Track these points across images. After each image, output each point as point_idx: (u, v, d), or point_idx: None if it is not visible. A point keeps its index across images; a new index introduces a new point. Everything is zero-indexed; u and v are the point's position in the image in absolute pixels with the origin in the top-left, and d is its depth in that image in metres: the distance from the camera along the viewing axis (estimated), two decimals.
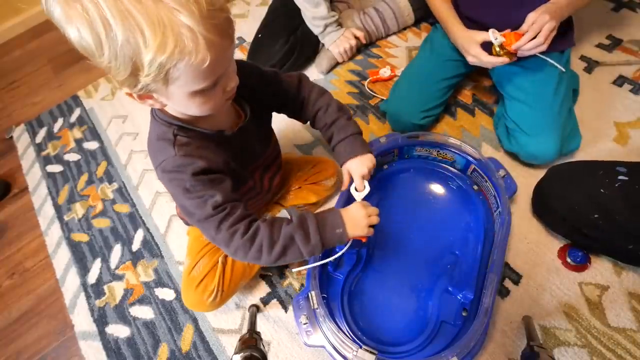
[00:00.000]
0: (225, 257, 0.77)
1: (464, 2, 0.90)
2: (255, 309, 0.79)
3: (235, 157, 0.60)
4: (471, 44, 0.82)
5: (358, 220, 0.58)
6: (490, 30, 0.78)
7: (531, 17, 0.74)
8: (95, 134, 1.26)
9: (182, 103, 0.48)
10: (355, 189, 0.70)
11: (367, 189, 0.69)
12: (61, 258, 1.00)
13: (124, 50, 0.38)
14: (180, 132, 0.53)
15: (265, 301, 0.83)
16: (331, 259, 0.65)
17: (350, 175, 0.70)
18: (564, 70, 0.80)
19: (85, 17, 0.37)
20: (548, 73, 0.84)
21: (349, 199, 0.78)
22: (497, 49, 0.79)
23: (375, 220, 0.60)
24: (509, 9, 0.81)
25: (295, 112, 0.72)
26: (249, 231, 0.53)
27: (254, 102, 0.63)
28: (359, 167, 0.68)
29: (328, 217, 0.57)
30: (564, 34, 0.85)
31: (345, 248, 0.62)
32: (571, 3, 0.77)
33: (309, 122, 0.74)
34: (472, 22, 0.86)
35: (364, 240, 0.61)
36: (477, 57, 0.82)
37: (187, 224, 0.81)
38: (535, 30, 0.74)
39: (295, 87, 0.69)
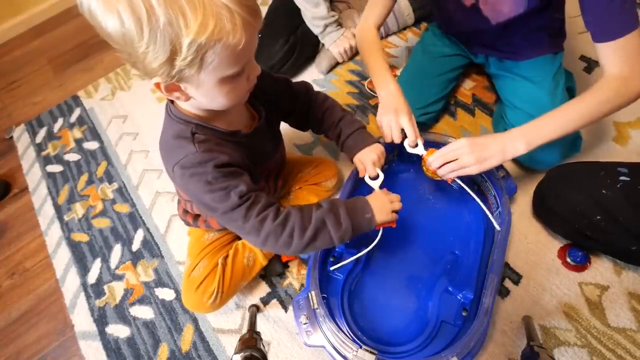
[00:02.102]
0: (225, 258, 0.77)
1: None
2: (255, 309, 0.79)
3: (249, 157, 0.61)
4: (390, 112, 0.74)
5: (383, 205, 0.60)
6: (418, 141, 0.73)
7: (455, 145, 0.68)
8: (95, 134, 1.26)
9: (209, 92, 0.48)
10: (370, 178, 0.71)
11: (381, 175, 0.70)
12: (61, 258, 1.00)
13: (165, 32, 0.39)
14: (198, 130, 0.54)
15: (265, 301, 0.83)
16: (369, 248, 0.68)
17: (363, 165, 0.71)
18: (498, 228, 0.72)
19: (126, 1, 0.37)
20: (543, 77, 0.83)
21: (351, 193, 0.79)
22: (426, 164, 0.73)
23: (398, 206, 0.62)
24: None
25: (302, 116, 0.75)
26: (279, 216, 0.54)
27: (266, 104, 0.65)
28: (369, 154, 0.71)
29: (357, 202, 0.59)
30: (556, 36, 0.85)
31: (380, 235, 0.66)
32: (530, 132, 0.66)
33: (311, 129, 0.77)
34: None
35: (393, 225, 0.63)
36: (387, 127, 0.75)
37: (188, 224, 0.81)
38: (449, 157, 0.67)
39: (304, 93, 0.73)
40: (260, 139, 0.64)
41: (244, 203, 0.52)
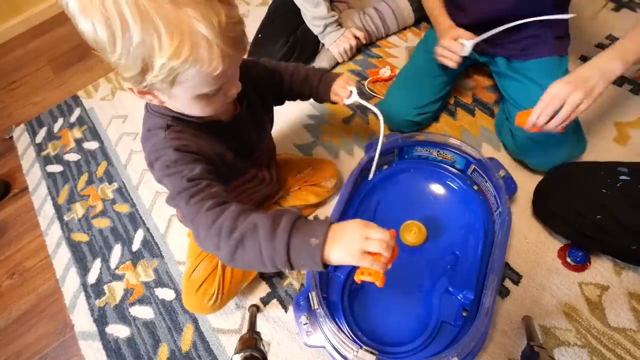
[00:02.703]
0: None
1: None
2: (255, 309, 0.79)
3: (232, 147, 0.60)
4: (446, 35, 0.82)
5: (351, 238, 0.41)
6: (467, 41, 0.78)
7: (551, 90, 0.65)
8: (95, 134, 1.26)
9: (184, 104, 0.48)
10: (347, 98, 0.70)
11: (354, 93, 0.69)
12: (61, 258, 1.00)
13: (137, 50, 0.38)
14: (174, 123, 0.53)
15: (265, 301, 0.83)
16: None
17: (343, 94, 0.70)
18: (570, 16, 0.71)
19: (102, 13, 0.36)
20: (552, 79, 0.82)
21: (351, 193, 0.80)
22: None
23: (375, 246, 0.41)
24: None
25: (284, 91, 0.73)
26: (216, 207, 0.45)
27: (252, 93, 0.64)
28: (338, 83, 0.70)
29: (312, 223, 0.43)
30: (562, 38, 0.85)
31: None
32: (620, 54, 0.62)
33: (297, 98, 0.76)
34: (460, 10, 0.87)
35: (377, 283, 0.43)
36: (445, 47, 0.82)
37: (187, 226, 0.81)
38: (550, 103, 0.64)
39: (282, 73, 0.72)
40: (243, 128, 0.63)
41: (190, 188, 0.46)
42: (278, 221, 0.42)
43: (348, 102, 0.70)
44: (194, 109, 0.49)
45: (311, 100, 0.77)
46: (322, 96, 0.73)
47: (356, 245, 0.41)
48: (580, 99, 0.62)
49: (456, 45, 0.80)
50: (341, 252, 0.40)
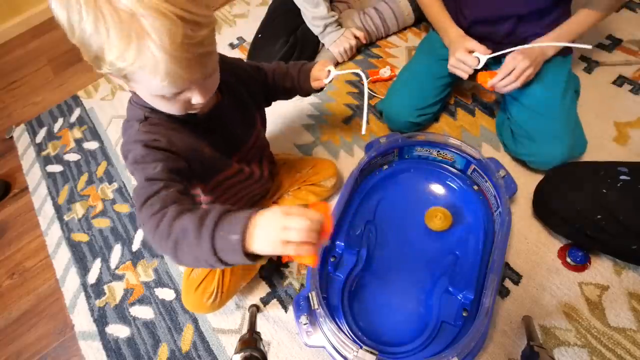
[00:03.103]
0: None
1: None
2: (255, 309, 0.79)
3: (212, 140, 0.60)
4: (460, 48, 0.84)
5: (267, 230, 0.38)
6: (482, 56, 0.81)
7: (508, 60, 0.79)
8: (95, 134, 1.26)
9: (146, 98, 0.49)
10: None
11: (332, 71, 0.71)
12: (61, 258, 1.00)
13: (90, 41, 0.39)
14: (152, 115, 0.53)
15: (265, 301, 0.83)
16: None
17: (322, 76, 0.72)
18: (590, 47, 0.79)
19: (66, 2, 0.38)
20: (556, 78, 0.83)
21: (351, 193, 0.80)
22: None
23: (294, 235, 0.38)
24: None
25: (270, 88, 0.75)
26: (159, 212, 0.43)
27: (241, 89, 0.64)
28: (315, 65, 0.73)
29: (233, 218, 0.40)
30: None
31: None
32: (556, 39, 0.79)
33: (282, 94, 0.77)
34: (472, 22, 0.87)
35: (311, 264, 0.41)
36: (460, 60, 0.84)
37: None
38: (509, 69, 0.78)
39: (265, 74, 0.74)
40: (227, 120, 0.62)
41: (146, 188, 0.45)
42: (203, 222, 0.40)
43: (328, 80, 0.72)
44: (158, 105, 0.49)
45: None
46: (304, 85, 0.74)
47: (276, 237, 0.38)
48: (527, 66, 0.77)
49: (472, 59, 0.82)
50: (262, 244, 0.38)
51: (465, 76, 0.86)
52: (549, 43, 0.78)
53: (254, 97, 0.69)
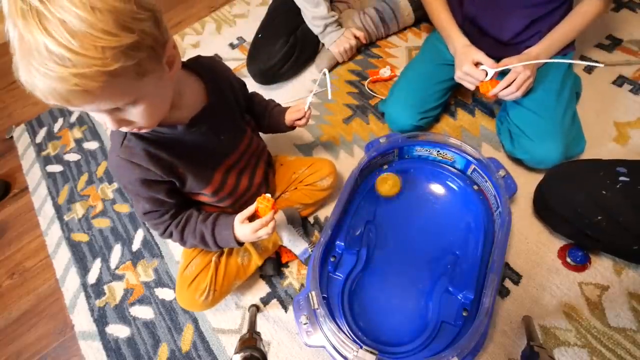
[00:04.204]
0: (219, 256, 0.77)
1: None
2: (255, 309, 0.79)
3: (196, 151, 0.62)
4: (467, 60, 0.83)
5: (246, 237, 0.65)
6: (490, 69, 0.81)
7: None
8: (95, 134, 1.26)
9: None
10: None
11: (307, 103, 0.78)
12: (61, 258, 1.00)
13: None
14: (128, 139, 0.55)
15: (265, 301, 0.83)
16: None
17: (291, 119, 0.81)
18: (602, 65, 0.81)
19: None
20: (552, 78, 0.83)
21: (351, 194, 0.81)
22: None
23: (263, 233, 0.64)
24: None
25: (251, 105, 0.80)
26: (164, 233, 0.66)
27: (229, 94, 0.67)
28: (291, 112, 0.81)
29: (222, 234, 0.66)
30: None
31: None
32: (549, 49, 0.81)
33: (257, 117, 0.82)
34: (473, 25, 0.87)
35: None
36: (468, 73, 0.83)
37: None
38: (510, 79, 0.79)
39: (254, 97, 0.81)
40: (210, 130, 0.62)
41: (147, 220, 0.65)
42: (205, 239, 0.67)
43: (306, 107, 0.78)
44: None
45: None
46: (276, 117, 0.81)
47: (252, 237, 0.65)
48: (528, 77, 0.80)
49: (480, 73, 0.81)
50: (248, 240, 0.67)
51: (472, 87, 0.85)
52: (558, 60, 0.78)
53: (239, 104, 0.71)
